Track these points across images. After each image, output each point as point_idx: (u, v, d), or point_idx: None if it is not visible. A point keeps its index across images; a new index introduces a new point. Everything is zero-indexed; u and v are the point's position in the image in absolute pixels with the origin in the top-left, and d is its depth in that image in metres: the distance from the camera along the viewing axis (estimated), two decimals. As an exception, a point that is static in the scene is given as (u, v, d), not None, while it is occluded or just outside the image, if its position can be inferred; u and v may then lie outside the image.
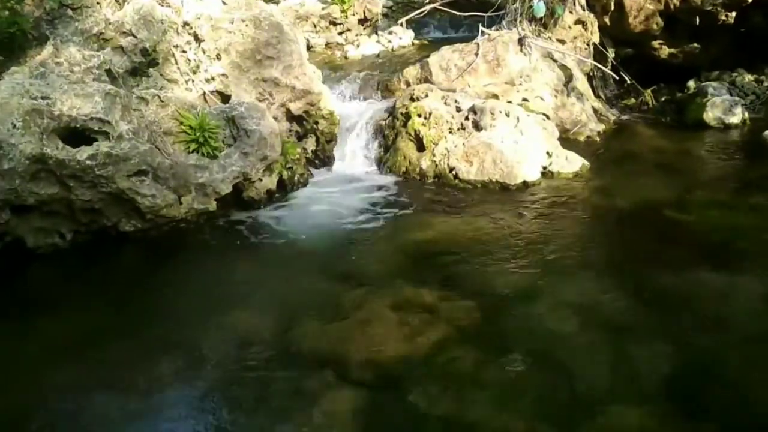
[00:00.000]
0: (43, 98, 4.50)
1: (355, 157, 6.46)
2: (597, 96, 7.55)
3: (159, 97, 5.02)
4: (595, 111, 7.13)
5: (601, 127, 6.87)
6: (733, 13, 7.11)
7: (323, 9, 9.28)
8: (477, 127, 5.87)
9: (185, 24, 5.48)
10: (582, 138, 6.67)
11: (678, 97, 7.58)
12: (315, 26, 9.21)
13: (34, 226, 4.64)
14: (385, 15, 10.24)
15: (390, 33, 9.21)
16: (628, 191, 5.23)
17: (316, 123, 6.20)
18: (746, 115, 6.77)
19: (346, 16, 9.27)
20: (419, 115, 6.12)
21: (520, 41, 7.00)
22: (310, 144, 6.29)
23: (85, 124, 4.59)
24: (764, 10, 7.08)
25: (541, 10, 7.23)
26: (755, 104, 7.17)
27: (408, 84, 7.11)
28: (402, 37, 9.15)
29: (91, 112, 4.58)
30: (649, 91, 7.61)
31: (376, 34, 9.43)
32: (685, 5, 7.14)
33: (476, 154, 5.65)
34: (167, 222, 4.93)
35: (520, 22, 7.28)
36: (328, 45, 9.07)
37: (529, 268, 4.24)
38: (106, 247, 4.79)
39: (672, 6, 7.17)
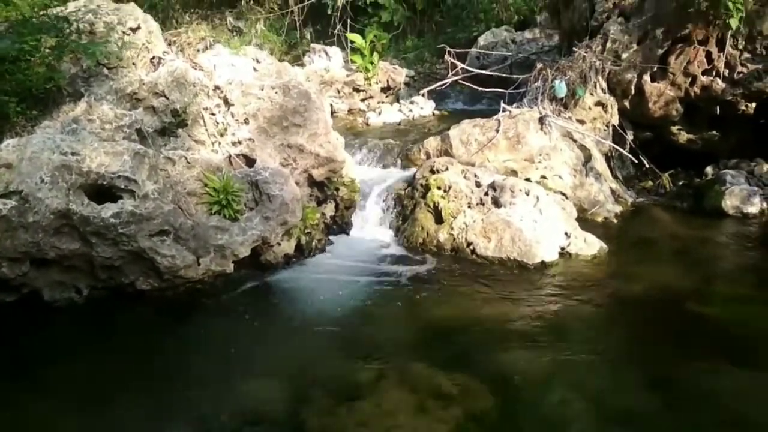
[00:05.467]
0: (73, 154, 4.59)
1: (373, 225, 6.49)
2: (615, 177, 7.59)
3: (186, 159, 5.10)
4: (613, 192, 7.16)
5: (619, 209, 6.88)
6: (753, 104, 7.19)
7: (348, 76, 9.53)
8: (496, 203, 5.90)
9: (216, 88, 5.61)
10: (599, 219, 6.67)
11: (696, 183, 7.60)
12: (339, 92, 9.43)
13: (52, 280, 4.67)
14: (407, 84, 10.50)
15: (412, 102, 9.40)
16: (646, 279, 5.19)
17: (337, 189, 6.26)
18: (765, 205, 6.76)
19: (370, 84, 9.50)
20: (439, 188, 6.17)
21: (541, 120, 7.10)
22: (330, 209, 6.32)
23: (112, 181, 4.66)
24: (784, 103, 7.18)
25: (562, 90, 7.36)
26: (774, 195, 7.16)
27: (428, 155, 7.20)
28: (423, 107, 9.33)
29: (119, 170, 4.66)
30: (666, 174, 7.64)
31: (398, 102, 9.64)
32: (705, 94, 7.24)
33: (495, 230, 5.66)
34: (184, 282, 4.93)
35: (542, 101, 7.41)
36: (350, 111, 9.27)
37: (546, 354, 4.18)
38: (122, 304, 4.79)
39: (692, 94, 7.27)
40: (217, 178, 5.16)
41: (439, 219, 6.04)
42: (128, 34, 5.30)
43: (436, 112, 9.39)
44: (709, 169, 7.68)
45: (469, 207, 5.97)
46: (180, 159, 5.08)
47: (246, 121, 5.65)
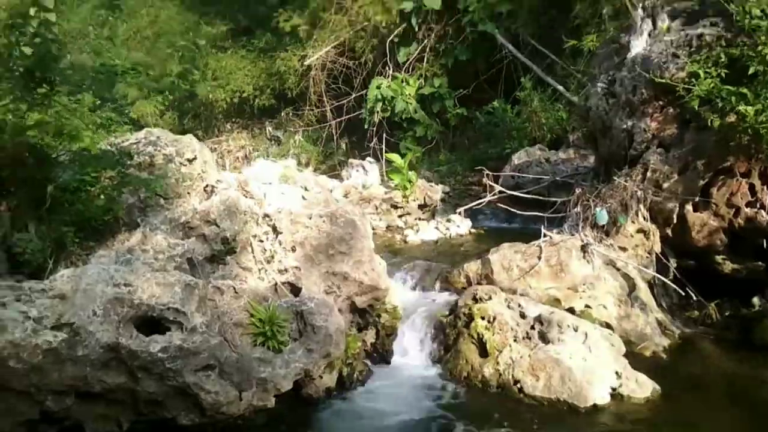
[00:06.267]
0: (125, 285, 4.61)
1: (414, 354, 6.34)
2: (659, 306, 7.42)
3: (234, 288, 5.10)
4: (659, 323, 6.97)
5: (667, 342, 6.68)
6: (798, 236, 7.12)
7: (386, 193, 9.67)
8: (543, 338, 5.77)
9: (266, 216, 5.70)
10: (647, 353, 6.45)
11: (743, 313, 7.40)
12: (377, 208, 9.55)
13: (95, 413, 4.58)
14: (442, 200, 10.61)
15: (449, 220, 9.47)
16: (704, 428, 4.96)
17: (379, 316, 6.20)
18: (819, 342, 6.55)
19: (407, 201, 9.61)
20: (483, 318, 6.06)
21: (583, 248, 7.06)
22: (370, 336, 6.24)
23: (162, 313, 4.65)
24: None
25: (603, 218, 7.34)
26: (825, 332, 6.93)
27: (468, 279, 7.15)
28: (460, 225, 9.38)
29: (169, 302, 4.66)
30: (713, 304, 7.46)
31: (435, 219, 9.71)
32: (749, 225, 7.17)
33: (543, 368, 5.50)
34: (225, 418, 4.80)
35: (583, 227, 7.40)
36: (388, 227, 9.35)
37: None
38: (162, 439, 4.67)
39: (736, 225, 7.21)
40: (263, 308, 5.14)
41: (483, 351, 5.90)
42: (185, 165, 5.46)
43: (473, 231, 9.43)
44: (756, 300, 7.49)
45: (515, 341, 5.83)
46: (228, 289, 5.08)
47: (293, 249, 5.69)
